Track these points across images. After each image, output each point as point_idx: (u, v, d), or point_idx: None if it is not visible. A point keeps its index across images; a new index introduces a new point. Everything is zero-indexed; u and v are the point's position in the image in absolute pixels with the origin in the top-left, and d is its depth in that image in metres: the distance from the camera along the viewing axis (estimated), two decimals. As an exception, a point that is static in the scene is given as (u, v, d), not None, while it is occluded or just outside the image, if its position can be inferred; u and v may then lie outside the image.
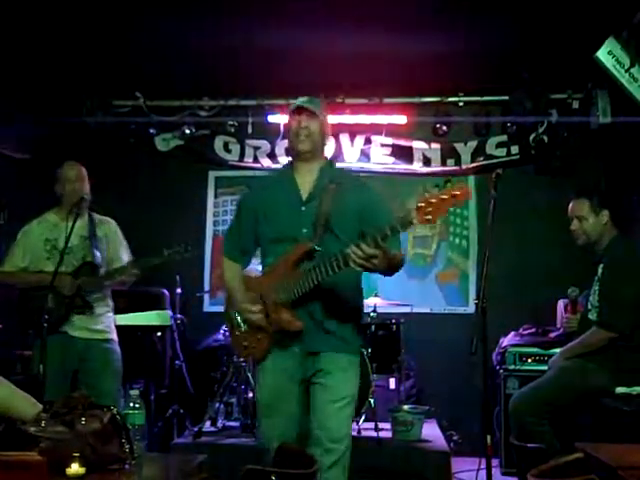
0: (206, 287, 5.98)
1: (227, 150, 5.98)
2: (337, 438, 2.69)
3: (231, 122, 5.82)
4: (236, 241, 2.99)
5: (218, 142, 5.97)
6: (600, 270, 3.72)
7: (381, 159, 5.87)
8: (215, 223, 6.15)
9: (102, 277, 3.83)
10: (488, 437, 2.96)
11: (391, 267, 2.67)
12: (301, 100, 2.83)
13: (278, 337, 2.76)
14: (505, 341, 4.97)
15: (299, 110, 2.80)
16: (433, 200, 2.28)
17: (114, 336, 3.95)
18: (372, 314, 5.00)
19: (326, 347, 2.74)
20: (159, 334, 5.16)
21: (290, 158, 2.97)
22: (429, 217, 2.29)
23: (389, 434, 4.51)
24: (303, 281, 2.64)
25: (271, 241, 2.84)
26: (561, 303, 5.12)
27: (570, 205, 3.87)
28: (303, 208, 2.79)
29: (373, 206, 2.79)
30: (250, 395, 4.65)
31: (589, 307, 3.76)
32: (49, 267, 3.75)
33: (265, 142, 5.93)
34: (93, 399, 2.13)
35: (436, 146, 5.84)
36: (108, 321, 3.94)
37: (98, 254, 3.87)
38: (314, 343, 2.74)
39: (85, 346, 3.81)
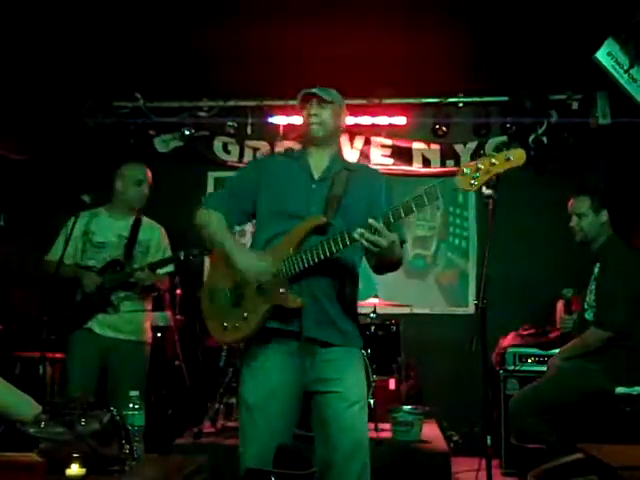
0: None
1: (226, 151, 5.99)
2: (363, 443, 2.53)
3: (230, 123, 5.83)
4: (227, 201, 2.71)
5: (217, 143, 5.98)
6: (596, 270, 3.74)
7: (380, 160, 5.88)
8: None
9: (122, 275, 3.83)
10: (488, 438, 2.96)
11: (394, 257, 2.52)
12: (312, 87, 2.69)
13: (272, 318, 2.52)
14: (505, 342, 4.97)
15: (309, 97, 2.69)
16: (481, 165, 2.25)
17: (143, 338, 3.94)
18: (372, 315, 5.00)
19: (328, 337, 2.55)
20: (159, 334, 5.16)
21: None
22: (475, 182, 2.25)
23: (389, 434, 4.50)
24: (306, 256, 2.46)
25: (273, 214, 2.64)
26: (560, 303, 5.12)
27: (570, 202, 3.90)
28: (314, 186, 2.66)
29: (380, 200, 2.67)
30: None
31: (585, 307, 3.77)
32: (83, 260, 3.81)
33: (264, 143, 5.94)
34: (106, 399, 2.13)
35: (435, 147, 5.85)
36: (138, 322, 3.92)
37: (129, 255, 3.88)
38: (314, 329, 2.52)
39: (110, 345, 3.80)
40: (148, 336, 3.99)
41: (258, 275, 2.52)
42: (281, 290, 2.50)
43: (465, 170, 2.27)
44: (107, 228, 3.88)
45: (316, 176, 2.69)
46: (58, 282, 3.72)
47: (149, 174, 4.01)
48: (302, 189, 2.66)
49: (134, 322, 3.89)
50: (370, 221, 2.32)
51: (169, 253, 4.05)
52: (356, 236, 2.34)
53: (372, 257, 2.57)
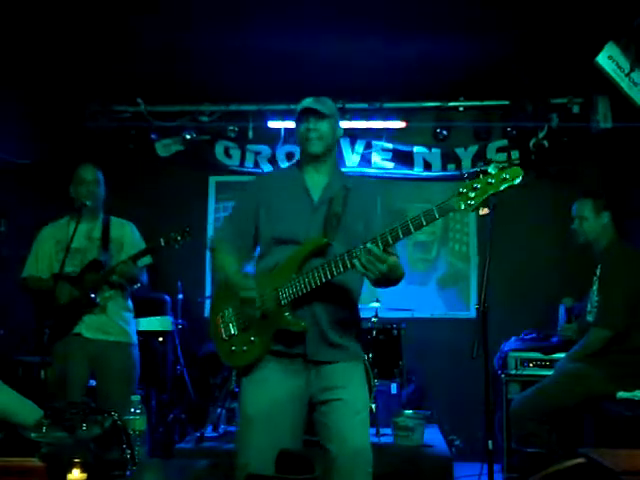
0: (207, 293, 5.97)
1: (228, 155, 5.98)
2: (365, 451, 2.53)
3: (232, 127, 5.83)
4: (236, 231, 2.74)
5: (219, 147, 5.97)
6: (598, 272, 3.75)
7: (382, 164, 5.88)
8: (216, 229, 6.14)
9: (104, 274, 3.82)
10: (490, 442, 2.95)
11: (393, 277, 2.52)
12: (308, 101, 2.66)
13: (276, 340, 2.56)
14: (506, 346, 4.96)
15: (307, 111, 2.64)
16: (477, 185, 2.25)
17: (131, 339, 3.93)
18: (373, 319, 5.00)
19: (332, 357, 2.58)
20: (160, 339, 5.16)
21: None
22: (472, 202, 2.25)
23: (390, 439, 4.50)
24: (308, 279, 2.47)
25: (275, 241, 2.64)
26: (562, 307, 5.11)
27: (574, 205, 3.91)
28: (313, 210, 2.64)
29: (373, 216, 2.69)
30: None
31: (589, 309, 3.76)
32: (60, 269, 3.77)
33: (266, 147, 5.94)
34: (97, 404, 2.13)
35: (437, 151, 5.84)
36: (124, 322, 3.92)
37: (106, 254, 3.88)
38: (318, 352, 2.57)
39: (99, 349, 3.80)
40: (134, 337, 3.99)
41: (261, 304, 2.55)
42: (285, 314, 2.53)
43: (462, 190, 2.26)
44: (77, 233, 3.82)
45: (315, 199, 2.67)
46: (40, 296, 3.82)
47: (95, 172, 3.98)
48: (302, 214, 2.64)
49: (120, 323, 3.89)
50: (369, 246, 2.32)
51: (144, 246, 4.05)
52: (356, 263, 2.35)
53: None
